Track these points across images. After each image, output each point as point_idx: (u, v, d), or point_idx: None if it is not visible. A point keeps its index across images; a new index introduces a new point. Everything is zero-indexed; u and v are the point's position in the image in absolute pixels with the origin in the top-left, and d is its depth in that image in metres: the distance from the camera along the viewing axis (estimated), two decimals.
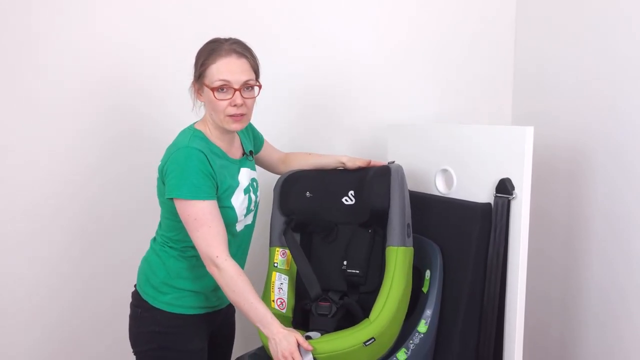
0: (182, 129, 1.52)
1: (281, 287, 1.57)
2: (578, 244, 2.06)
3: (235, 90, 1.40)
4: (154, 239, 1.57)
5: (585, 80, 2.01)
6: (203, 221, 1.36)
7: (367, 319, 1.46)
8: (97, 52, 1.90)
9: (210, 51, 1.42)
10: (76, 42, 1.88)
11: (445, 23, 2.31)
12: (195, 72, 1.45)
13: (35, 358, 1.96)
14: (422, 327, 1.57)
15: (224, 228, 1.40)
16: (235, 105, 1.41)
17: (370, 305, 1.49)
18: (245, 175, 1.53)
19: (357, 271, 1.60)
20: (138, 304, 1.51)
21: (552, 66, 2.18)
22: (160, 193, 1.47)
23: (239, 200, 1.48)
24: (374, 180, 1.59)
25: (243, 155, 1.57)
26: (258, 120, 2.12)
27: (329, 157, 1.72)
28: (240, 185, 1.50)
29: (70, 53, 1.88)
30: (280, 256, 1.64)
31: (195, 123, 1.51)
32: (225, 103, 1.40)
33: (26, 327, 1.94)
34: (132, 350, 1.54)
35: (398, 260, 1.52)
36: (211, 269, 1.38)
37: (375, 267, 1.60)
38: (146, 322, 1.49)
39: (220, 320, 1.61)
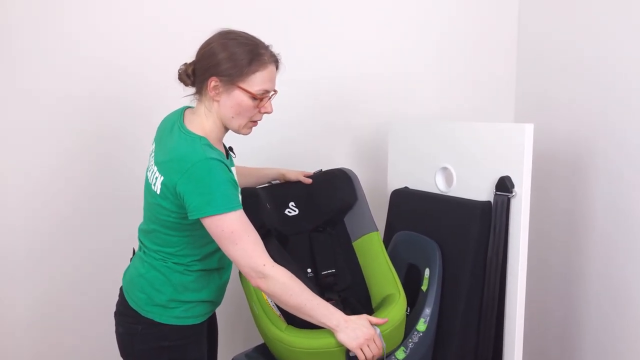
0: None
1: (272, 302, 1.55)
2: (579, 241, 2.04)
3: (269, 99, 1.40)
4: (146, 254, 1.44)
5: (588, 77, 1.99)
6: (240, 232, 1.27)
7: (390, 295, 1.50)
8: (88, 49, 1.90)
9: (255, 55, 1.33)
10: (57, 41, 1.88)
11: (448, 21, 2.31)
12: (222, 70, 1.32)
13: (21, 355, 1.96)
14: (421, 325, 1.56)
15: (259, 235, 1.32)
16: (264, 113, 1.41)
17: (351, 299, 1.57)
18: (235, 175, 1.47)
19: (333, 270, 1.65)
20: (137, 321, 1.41)
21: (554, 63, 2.17)
22: (159, 209, 1.35)
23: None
24: (335, 182, 1.71)
25: (227, 154, 1.51)
26: None
27: (268, 170, 1.76)
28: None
29: (58, 49, 1.88)
30: None
31: (185, 123, 1.37)
32: (257, 110, 1.39)
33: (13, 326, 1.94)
34: None
35: (380, 243, 1.64)
36: (257, 282, 1.28)
37: (342, 265, 1.65)
38: (151, 338, 1.40)
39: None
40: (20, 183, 1.88)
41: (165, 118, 1.47)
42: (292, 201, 1.72)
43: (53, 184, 1.91)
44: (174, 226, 1.36)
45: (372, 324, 1.34)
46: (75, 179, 1.94)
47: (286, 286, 1.29)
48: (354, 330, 1.30)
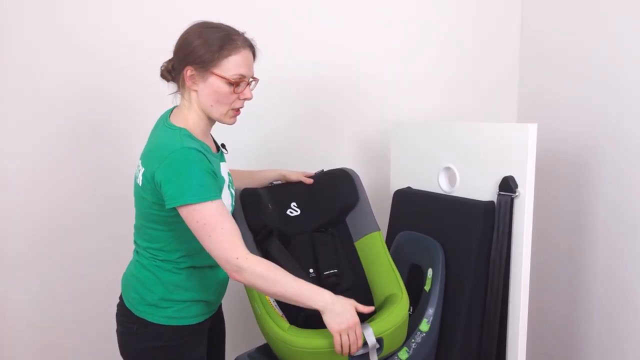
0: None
1: (274, 302, 1.53)
2: (582, 241, 2.04)
3: (247, 84, 1.38)
4: (138, 253, 1.43)
5: (590, 77, 1.99)
6: (214, 224, 1.24)
7: (393, 295, 1.48)
8: (88, 49, 1.90)
9: (228, 40, 1.32)
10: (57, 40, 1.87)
11: (449, 21, 2.30)
12: (196, 57, 1.32)
13: (21, 354, 1.96)
14: (424, 325, 1.55)
15: (237, 226, 1.29)
16: (244, 99, 1.38)
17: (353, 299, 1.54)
18: (225, 170, 1.45)
19: (335, 270, 1.64)
20: (132, 320, 1.40)
21: (557, 63, 2.16)
22: (142, 202, 1.35)
23: (226, 197, 1.40)
24: (336, 182, 1.70)
25: (218, 150, 1.49)
26: (260, 119, 2.11)
27: (269, 172, 1.75)
28: (225, 181, 1.42)
29: (55, 50, 1.87)
30: None
31: (170, 118, 1.37)
32: (235, 96, 1.36)
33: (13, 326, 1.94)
34: None
35: (382, 243, 1.63)
36: (234, 276, 1.26)
37: (344, 265, 1.64)
38: (145, 338, 1.39)
39: (212, 320, 1.55)
40: (19, 184, 1.88)
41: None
42: (294, 201, 1.71)
43: (52, 184, 1.91)
44: (158, 219, 1.35)
45: (358, 312, 1.30)
46: (75, 179, 1.93)
47: (263, 276, 1.25)
48: (339, 314, 1.26)
